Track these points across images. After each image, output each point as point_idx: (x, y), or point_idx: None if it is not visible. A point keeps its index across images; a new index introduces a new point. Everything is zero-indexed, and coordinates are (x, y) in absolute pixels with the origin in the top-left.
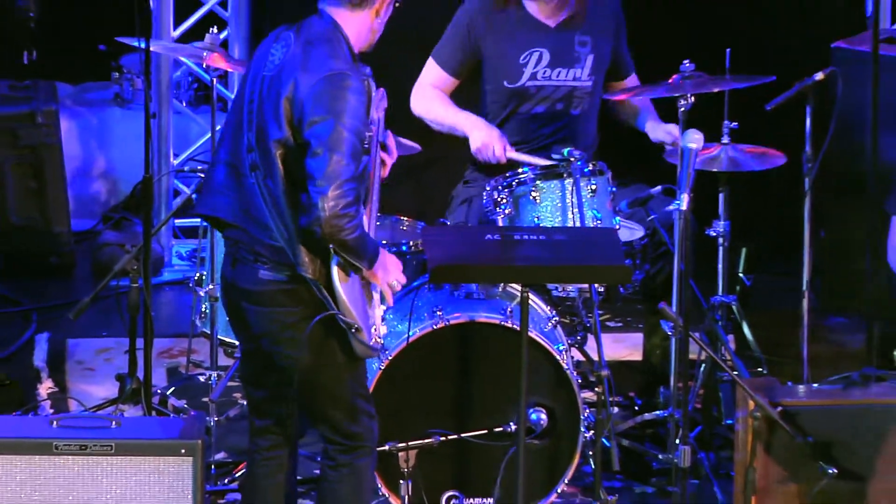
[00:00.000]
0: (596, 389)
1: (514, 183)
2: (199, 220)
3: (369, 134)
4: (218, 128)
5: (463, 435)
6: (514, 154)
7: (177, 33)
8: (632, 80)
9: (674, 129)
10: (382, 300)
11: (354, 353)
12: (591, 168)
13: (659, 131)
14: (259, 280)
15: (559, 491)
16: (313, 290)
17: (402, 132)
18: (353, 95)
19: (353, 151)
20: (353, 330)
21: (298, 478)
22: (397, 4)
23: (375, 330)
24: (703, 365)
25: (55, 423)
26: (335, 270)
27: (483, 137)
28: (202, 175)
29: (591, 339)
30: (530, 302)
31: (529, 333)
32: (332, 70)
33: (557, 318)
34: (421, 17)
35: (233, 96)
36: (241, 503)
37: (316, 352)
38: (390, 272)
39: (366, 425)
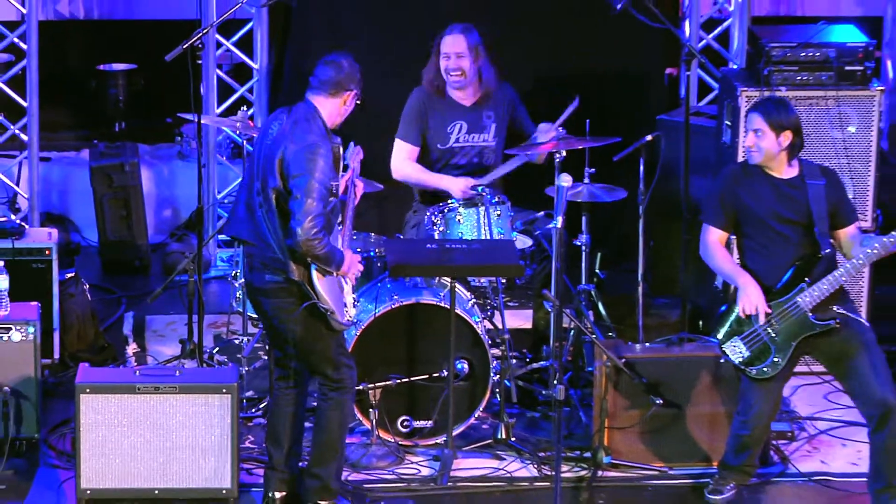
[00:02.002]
0: (500, 348)
1: (445, 210)
2: None
3: (335, 183)
4: None
5: (412, 378)
6: (482, 181)
7: (219, 110)
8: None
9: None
10: (354, 289)
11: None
12: (496, 199)
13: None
14: (266, 281)
15: (476, 416)
16: (302, 287)
17: (371, 176)
18: (323, 159)
19: (321, 196)
20: (329, 313)
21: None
22: (358, 102)
23: (347, 311)
24: (573, 331)
25: (137, 372)
26: (315, 273)
27: (462, 189)
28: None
29: (496, 314)
30: (457, 289)
31: (456, 310)
32: (309, 142)
33: (474, 300)
34: (389, 106)
35: None
36: (266, 426)
37: (307, 327)
38: (353, 267)
39: (346, 374)
